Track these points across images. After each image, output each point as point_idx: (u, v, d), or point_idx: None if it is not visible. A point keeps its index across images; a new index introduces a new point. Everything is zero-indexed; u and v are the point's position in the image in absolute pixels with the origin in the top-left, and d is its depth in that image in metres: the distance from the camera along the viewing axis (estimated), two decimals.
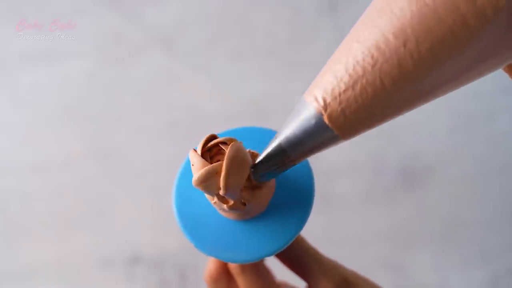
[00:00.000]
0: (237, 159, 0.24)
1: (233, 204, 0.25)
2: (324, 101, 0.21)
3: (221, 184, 0.23)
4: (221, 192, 0.24)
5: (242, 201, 0.25)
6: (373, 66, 0.20)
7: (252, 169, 0.24)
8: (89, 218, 0.63)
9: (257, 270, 0.30)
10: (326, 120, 0.21)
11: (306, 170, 0.28)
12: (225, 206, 0.25)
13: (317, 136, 0.22)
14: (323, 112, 0.21)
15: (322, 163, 0.62)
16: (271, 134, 0.28)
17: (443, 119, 0.65)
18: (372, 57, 0.19)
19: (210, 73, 0.68)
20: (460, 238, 0.61)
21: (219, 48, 0.69)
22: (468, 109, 0.65)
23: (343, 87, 0.20)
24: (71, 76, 0.69)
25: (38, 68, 0.69)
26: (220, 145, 0.25)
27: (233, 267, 0.30)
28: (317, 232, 0.60)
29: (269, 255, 0.27)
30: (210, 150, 0.25)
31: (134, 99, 0.67)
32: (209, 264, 0.31)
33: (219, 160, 0.25)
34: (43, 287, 0.61)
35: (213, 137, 0.26)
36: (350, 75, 0.20)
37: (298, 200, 0.28)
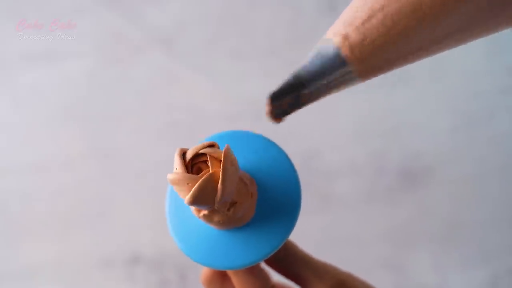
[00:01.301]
0: (232, 166, 0.24)
1: (220, 217, 0.25)
2: (345, 33, 0.21)
3: (219, 192, 0.23)
4: (218, 198, 0.24)
5: (227, 210, 0.25)
6: None
7: (271, 99, 0.24)
8: (89, 218, 0.63)
9: (251, 269, 0.30)
10: (346, 51, 0.21)
11: (293, 180, 0.28)
12: (214, 218, 0.25)
13: (335, 70, 0.22)
14: (343, 43, 0.21)
15: (322, 163, 0.62)
16: (251, 136, 0.29)
17: (443, 119, 0.65)
18: None
19: (210, 73, 0.68)
20: (460, 238, 0.61)
21: (219, 48, 0.69)
22: (468, 109, 0.65)
23: (364, 17, 0.21)
24: (71, 76, 0.69)
25: (38, 68, 0.69)
26: (199, 161, 0.25)
27: None
28: (317, 232, 0.60)
29: (256, 261, 0.27)
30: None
31: (134, 99, 0.67)
32: (204, 267, 0.31)
33: (200, 167, 0.24)
34: (43, 287, 0.61)
35: (212, 145, 0.25)
36: (371, 6, 0.20)
37: (284, 207, 0.28)
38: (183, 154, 0.25)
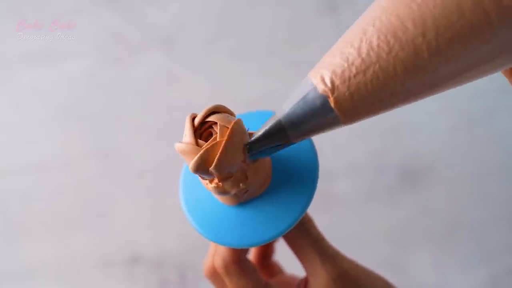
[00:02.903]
0: (234, 140, 0.23)
1: (227, 185, 0.25)
2: (332, 83, 0.20)
3: (215, 161, 0.23)
4: (211, 168, 0.23)
5: (240, 180, 0.25)
6: (388, 53, 0.19)
7: (247, 147, 0.24)
8: (89, 218, 0.63)
9: (242, 269, 0.29)
10: (332, 102, 0.21)
11: (308, 148, 0.28)
12: (225, 190, 0.25)
13: (319, 118, 0.21)
14: (329, 94, 0.20)
15: (322, 163, 0.62)
16: (267, 114, 0.28)
17: (443, 118, 0.65)
18: (388, 43, 0.19)
19: (210, 73, 0.68)
20: (460, 237, 0.61)
21: (218, 48, 0.69)
22: (468, 109, 0.65)
23: (354, 71, 0.20)
24: (71, 76, 0.69)
25: (38, 68, 0.69)
26: (212, 123, 0.24)
27: (218, 266, 0.30)
28: None
29: (275, 236, 0.26)
30: (204, 124, 0.24)
31: (134, 99, 0.67)
32: (207, 260, 0.31)
33: (211, 132, 0.24)
34: (43, 287, 0.61)
35: (218, 110, 0.25)
36: (362, 60, 0.20)
37: (301, 178, 0.27)
38: (193, 119, 0.25)
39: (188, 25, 0.70)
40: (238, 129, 0.23)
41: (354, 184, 0.63)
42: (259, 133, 0.23)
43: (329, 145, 0.63)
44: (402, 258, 0.61)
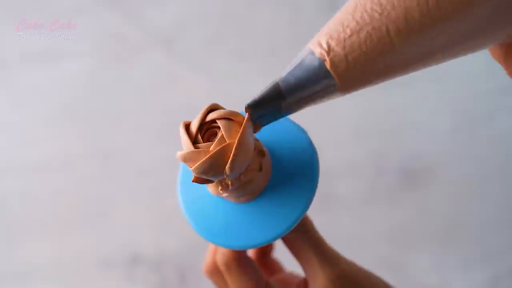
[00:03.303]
0: (245, 142, 0.23)
1: (233, 186, 0.24)
2: (328, 45, 0.21)
3: (228, 166, 0.22)
4: (227, 169, 0.23)
5: (242, 181, 0.24)
6: (380, 13, 0.20)
7: (249, 108, 0.23)
8: (89, 218, 0.63)
9: (243, 267, 0.29)
10: (328, 64, 0.21)
11: (308, 149, 0.27)
12: (225, 190, 0.25)
13: (317, 82, 0.22)
14: (326, 56, 0.21)
15: (322, 163, 0.62)
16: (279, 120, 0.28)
17: (443, 119, 0.65)
18: (381, 5, 0.20)
19: (210, 73, 0.68)
20: (460, 238, 0.61)
21: (219, 48, 0.69)
22: (468, 109, 0.65)
23: (348, 32, 0.21)
24: (71, 76, 0.69)
25: (38, 68, 0.69)
26: (216, 121, 0.24)
27: (220, 264, 0.30)
28: None
29: (275, 238, 0.26)
30: (204, 125, 0.24)
31: (134, 99, 0.67)
32: (206, 257, 0.31)
33: (210, 137, 0.23)
34: (43, 287, 0.61)
35: (214, 108, 0.24)
36: (357, 22, 0.20)
37: (301, 179, 0.26)
38: (187, 126, 0.24)
39: (188, 25, 0.70)
40: (248, 126, 0.23)
41: (355, 184, 0.63)
42: (257, 96, 0.23)
43: (329, 145, 0.63)
44: (402, 258, 0.60)
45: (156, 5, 0.71)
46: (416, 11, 0.19)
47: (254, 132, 0.24)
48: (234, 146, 0.22)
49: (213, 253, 0.31)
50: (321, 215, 0.61)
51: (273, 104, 0.23)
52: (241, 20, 0.70)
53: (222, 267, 0.30)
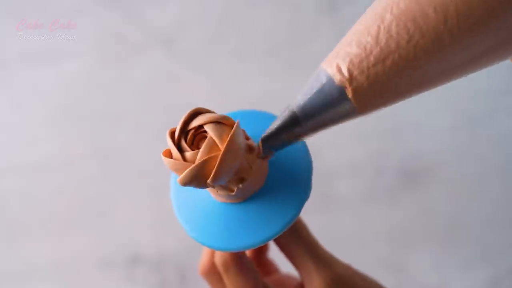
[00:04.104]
0: (234, 148, 0.22)
1: (224, 188, 0.24)
2: (350, 73, 0.20)
3: (212, 175, 0.22)
4: (209, 181, 0.22)
5: (237, 181, 0.24)
6: (408, 41, 0.19)
7: (262, 142, 0.23)
8: (89, 218, 0.63)
9: (241, 268, 0.29)
10: (349, 93, 0.20)
11: (303, 150, 0.27)
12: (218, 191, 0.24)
13: (335, 109, 0.21)
14: (347, 85, 0.20)
15: (323, 163, 0.62)
16: (268, 117, 0.27)
17: (443, 118, 0.65)
18: (408, 31, 0.19)
19: (210, 73, 0.68)
20: (460, 238, 0.61)
21: (219, 48, 0.69)
22: (468, 109, 0.65)
23: (372, 60, 0.19)
24: (71, 76, 0.69)
25: (38, 68, 0.69)
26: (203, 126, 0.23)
27: (218, 264, 0.30)
28: (316, 232, 0.60)
29: (262, 242, 0.26)
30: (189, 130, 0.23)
31: (134, 99, 0.67)
32: (202, 257, 0.31)
33: (201, 140, 0.23)
34: (43, 287, 0.61)
35: (196, 113, 0.24)
36: (381, 49, 0.19)
37: (294, 182, 0.26)
38: (189, 117, 0.24)
39: (188, 25, 0.70)
40: (236, 136, 0.22)
41: (354, 184, 0.62)
42: (273, 127, 0.22)
43: (329, 145, 0.63)
44: (402, 258, 0.60)
45: (156, 5, 0.71)
46: (447, 39, 0.18)
47: (265, 159, 0.24)
48: (219, 158, 0.22)
49: (209, 253, 0.31)
50: (321, 215, 0.61)
51: (289, 132, 0.22)
52: (241, 20, 0.70)
53: (220, 268, 0.29)
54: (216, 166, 0.22)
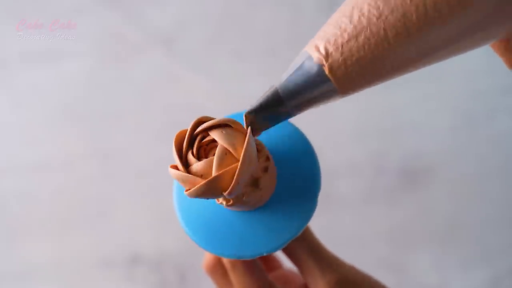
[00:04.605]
0: (249, 158, 0.22)
1: (234, 201, 0.24)
2: (326, 51, 0.21)
3: (229, 188, 0.22)
4: (226, 194, 0.22)
5: (243, 195, 0.24)
6: (378, 17, 0.20)
7: (245, 116, 0.23)
8: (89, 218, 0.63)
9: (248, 266, 0.29)
10: (326, 70, 0.21)
11: (311, 160, 0.27)
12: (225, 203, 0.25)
13: (315, 87, 0.22)
14: (324, 62, 0.21)
15: (322, 163, 0.62)
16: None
17: (443, 118, 0.65)
18: (378, 8, 0.20)
19: (210, 73, 0.68)
20: (460, 238, 0.61)
21: (219, 48, 0.69)
22: (468, 109, 0.65)
23: (346, 37, 0.21)
24: (71, 76, 0.69)
25: (38, 68, 0.69)
26: (209, 132, 0.23)
27: (225, 261, 0.30)
28: (316, 232, 0.60)
29: (270, 251, 0.26)
30: (196, 139, 0.23)
31: (134, 99, 0.67)
32: (207, 254, 0.31)
33: (209, 144, 0.23)
34: (43, 287, 0.61)
35: (199, 122, 0.23)
36: (354, 26, 0.20)
37: (302, 192, 0.26)
38: (195, 125, 0.23)
39: (188, 25, 0.70)
40: (249, 146, 0.22)
41: (355, 184, 0.63)
42: (256, 102, 0.23)
43: (329, 145, 0.63)
44: (402, 258, 0.60)
45: (156, 5, 0.71)
46: (414, 14, 0.19)
47: (254, 135, 0.24)
48: (237, 172, 0.22)
49: None
50: (321, 215, 0.60)
51: (272, 110, 0.23)
52: (241, 20, 0.70)
53: (227, 264, 0.30)
54: (234, 180, 0.22)
